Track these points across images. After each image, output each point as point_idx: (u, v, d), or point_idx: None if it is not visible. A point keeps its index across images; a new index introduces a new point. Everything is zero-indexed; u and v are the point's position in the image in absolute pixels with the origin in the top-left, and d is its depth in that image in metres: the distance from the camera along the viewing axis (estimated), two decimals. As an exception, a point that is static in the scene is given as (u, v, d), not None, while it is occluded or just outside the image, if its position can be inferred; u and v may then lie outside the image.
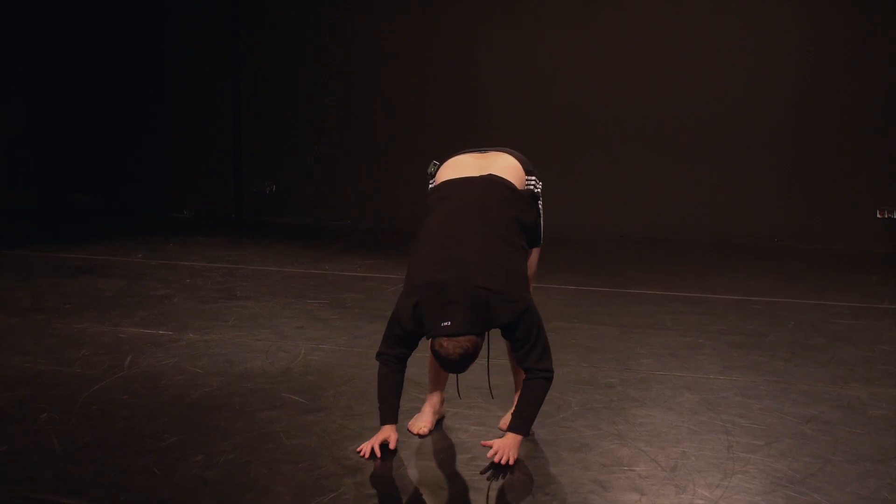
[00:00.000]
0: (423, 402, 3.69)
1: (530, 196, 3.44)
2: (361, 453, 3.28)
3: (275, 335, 5.03)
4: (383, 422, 3.30)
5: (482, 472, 3.19)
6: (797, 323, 5.42)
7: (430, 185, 3.56)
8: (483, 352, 3.18)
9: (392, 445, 3.28)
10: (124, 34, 10.35)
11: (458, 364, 3.03)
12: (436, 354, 3.05)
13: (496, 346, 3.60)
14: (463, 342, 2.98)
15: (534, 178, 3.48)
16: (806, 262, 7.72)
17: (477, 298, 3.02)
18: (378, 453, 3.25)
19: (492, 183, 3.36)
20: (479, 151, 3.55)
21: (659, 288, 6.48)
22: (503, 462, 3.18)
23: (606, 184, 9.10)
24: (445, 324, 2.99)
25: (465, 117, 9.35)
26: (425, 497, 3.05)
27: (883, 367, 4.53)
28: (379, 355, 3.30)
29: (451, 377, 3.71)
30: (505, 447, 3.19)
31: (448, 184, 3.43)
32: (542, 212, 3.53)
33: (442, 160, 3.60)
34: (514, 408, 3.30)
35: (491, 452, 3.20)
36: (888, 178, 8.36)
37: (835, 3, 8.45)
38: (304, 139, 10.06)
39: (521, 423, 3.21)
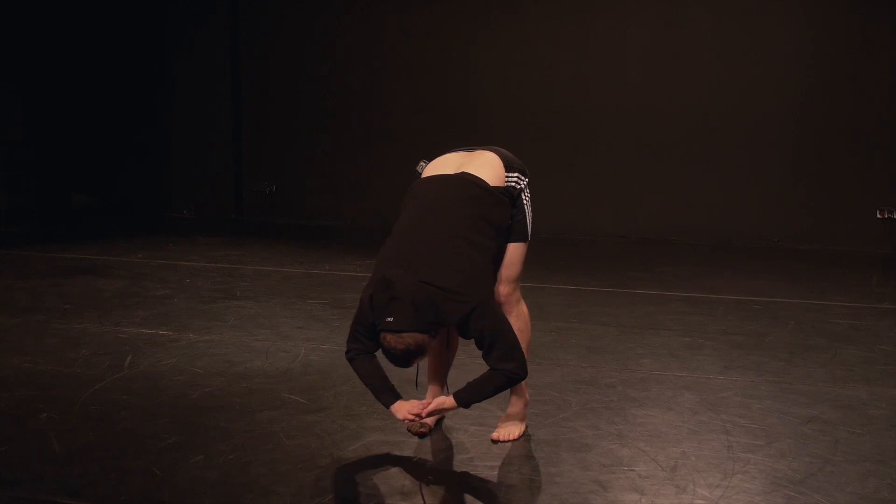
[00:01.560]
0: (423, 402, 3.69)
1: (505, 193, 3.39)
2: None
3: (275, 335, 5.03)
4: (389, 403, 3.24)
5: (482, 472, 3.20)
6: (797, 323, 5.42)
7: None
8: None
9: (424, 407, 3.22)
10: (124, 34, 10.35)
11: (400, 359, 3.06)
12: (381, 347, 3.10)
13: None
14: (406, 338, 3.01)
15: (516, 174, 3.42)
16: (806, 262, 7.71)
17: (421, 297, 3.03)
18: (423, 418, 3.23)
19: (461, 181, 3.33)
20: (466, 150, 3.54)
21: (659, 288, 6.48)
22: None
23: (606, 184, 9.09)
24: (389, 319, 3.03)
25: (465, 118, 9.35)
26: (425, 497, 3.05)
27: (883, 367, 4.53)
28: (348, 353, 3.28)
29: (450, 377, 3.70)
30: (439, 404, 3.19)
31: (422, 182, 3.44)
32: (528, 208, 3.47)
33: (432, 160, 3.59)
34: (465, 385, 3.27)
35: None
36: (888, 179, 8.36)
37: (835, 4, 8.45)
38: (303, 139, 10.05)
39: (466, 396, 3.17)
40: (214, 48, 10.21)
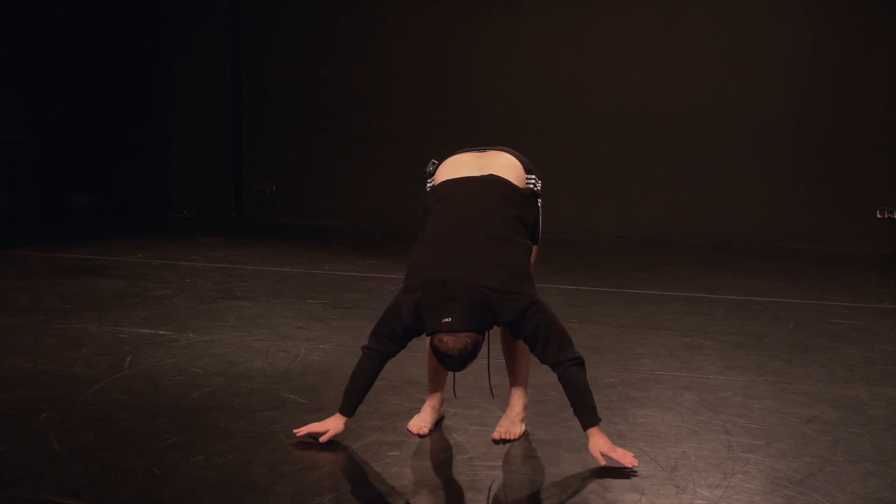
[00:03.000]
0: (423, 402, 3.69)
1: (531, 194, 3.44)
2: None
3: (275, 335, 5.03)
4: (342, 410, 3.37)
5: (482, 472, 3.20)
6: (797, 323, 5.42)
7: (429, 185, 3.56)
8: (483, 351, 3.19)
9: (324, 439, 3.36)
10: (124, 34, 10.35)
11: (458, 361, 3.02)
12: (436, 351, 3.04)
13: (495, 346, 3.60)
14: (464, 338, 2.99)
15: (533, 176, 3.48)
16: (806, 262, 7.71)
17: (477, 297, 3.03)
18: (313, 434, 3.38)
19: (493, 182, 3.36)
20: (478, 150, 3.56)
21: (659, 288, 6.48)
22: (627, 462, 3.16)
23: (606, 184, 9.09)
24: (446, 320, 2.99)
25: (465, 118, 9.35)
26: (425, 497, 3.05)
27: (883, 367, 4.53)
28: (366, 349, 3.29)
29: (450, 378, 3.70)
30: (603, 448, 3.17)
31: (448, 184, 3.43)
32: (541, 210, 3.53)
33: (441, 160, 3.60)
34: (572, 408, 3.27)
35: (604, 461, 3.16)
36: (888, 179, 8.36)
37: (835, 4, 8.45)
38: (303, 139, 10.05)
39: (588, 414, 3.19)
40: (214, 48, 10.21)
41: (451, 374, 3.53)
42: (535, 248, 3.51)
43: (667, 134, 8.88)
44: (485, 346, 3.22)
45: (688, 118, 8.81)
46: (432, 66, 9.53)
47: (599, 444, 3.18)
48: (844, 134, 8.44)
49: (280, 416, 3.72)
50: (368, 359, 3.29)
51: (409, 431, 3.54)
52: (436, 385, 3.63)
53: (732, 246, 8.53)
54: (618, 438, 3.49)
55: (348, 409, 3.37)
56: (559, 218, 8.83)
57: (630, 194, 9.02)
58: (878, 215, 8.35)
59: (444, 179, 3.46)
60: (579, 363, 3.18)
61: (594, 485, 3.08)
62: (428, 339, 3.12)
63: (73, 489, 3.03)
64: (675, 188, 8.89)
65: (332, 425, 3.38)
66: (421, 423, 3.56)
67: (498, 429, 3.52)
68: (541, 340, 3.13)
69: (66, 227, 9.43)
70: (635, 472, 3.16)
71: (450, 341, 2.99)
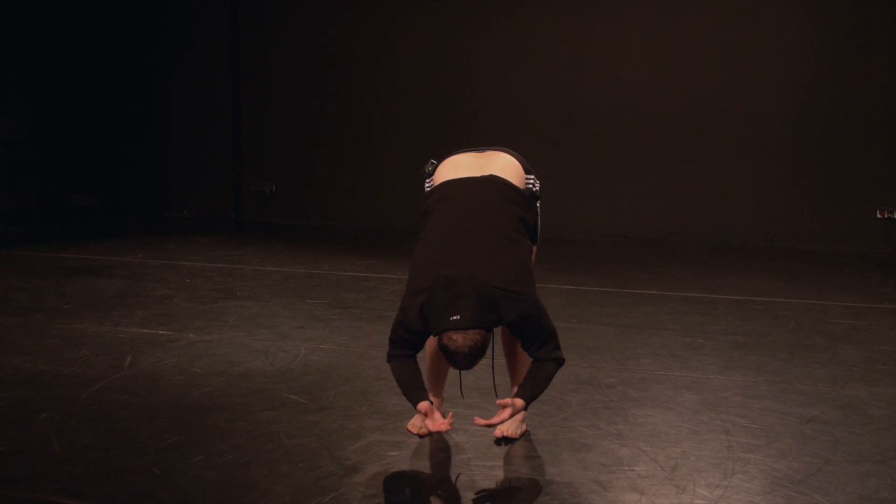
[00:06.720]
0: (423, 402, 3.68)
1: (530, 195, 3.45)
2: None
3: (275, 335, 5.03)
4: (417, 401, 3.15)
5: (483, 471, 3.20)
6: (797, 323, 5.42)
7: (427, 185, 3.56)
8: (488, 350, 3.17)
9: (444, 418, 3.13)
10: (125, 34, 10.35)
11: (467, 358, 2.98)
12: (444, 349, 3.00)
13: (497, 346, 3.60)
14: (473, 335, 2.95)
15: (532, 177, 3.49)
16: (806, 262, 7.71)
17: (485, 295, 3.01)
18: (436, 426, 3.10)
19: (494, 183, 3.36)
20: (478, 151, 3.56)
21: (659, 288, 6.48)
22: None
23: (606, 184, 9.09)
24: (454, 318, 2.95)
25: (465, 118, 9.34)
26: (425, 497, 3.05)
27: (883, 367, 4.53)
28: (389, 358, 3.26)
29: (450, 378, 3.70)
30: (511, 415, 3.14)
31: (448, 184, 3.42)
32: (539, 211, 3.53)
33: (440, 160, 3.59)
34: (518, 384, 3.29)
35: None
36: (888, 179, 8.35)
37: (835, 4, 8.45)
38: (304, 139, 10.05)
39: (528, 392, 3.16)
40: (214, 48, 10.21)
41: (453, 374, 3.53)
42: (534, 248, 3.52)
43: (666, 134, 8.87)
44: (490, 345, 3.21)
45: (688, 118, 8.81)
46: (432, 66, 9.53)
47: (517, 403, 3.11)
48: (844, 134, 8.44)
49: (280, 416, 3.72)
50: (398, 360, 3.22)
51: (409, 431, 3.54)
52: (436, 386, 3.63)
53: (732, 246, 8.53)
54: (618, 438, 3.50)
55: (423, 395, 3.17)
56: (559, 218, 8.84)
57: (630, 194, 9.02)
58: (878, 215, 8.35)
59: (444, 180, 3.46)
60: (560, 363, 3.24)
61: (594, 485, 3.08)
62: (430, 340, 3.10)
63: (73, 489, 3.03)
64: (675, 188, 8.89)
65: (433, 410, 3.13)
66: (421, 423, 3.56)
67: (498, 428, 3.52)
68: (538, 342, 3.16)
69: (66, 227, 9.42)
70: (633, 469, 3.17)
71: (459, 339, 2.95)
